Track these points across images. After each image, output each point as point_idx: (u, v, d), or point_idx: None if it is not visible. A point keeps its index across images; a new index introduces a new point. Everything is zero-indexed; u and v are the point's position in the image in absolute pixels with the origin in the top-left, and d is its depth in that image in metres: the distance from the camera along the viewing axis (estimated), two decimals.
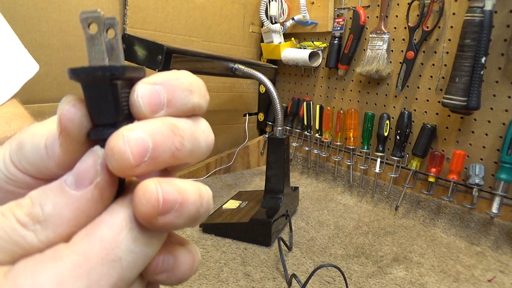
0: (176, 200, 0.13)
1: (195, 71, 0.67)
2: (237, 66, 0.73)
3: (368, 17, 0.98)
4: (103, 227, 0.13)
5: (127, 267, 0.12)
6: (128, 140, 0.13)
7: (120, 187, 0.15)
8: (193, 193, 0.14)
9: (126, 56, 0.67)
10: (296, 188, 0.93)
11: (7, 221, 0.12)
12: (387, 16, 0.94)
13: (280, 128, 0.80)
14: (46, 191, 0.13)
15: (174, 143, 0.14)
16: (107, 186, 0.13)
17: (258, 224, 0.74)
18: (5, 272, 0.12)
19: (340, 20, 1.03)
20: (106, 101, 0.14)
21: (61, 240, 0.13)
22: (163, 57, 0.58)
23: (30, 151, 0.15)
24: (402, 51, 0.92)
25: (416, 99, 0.91)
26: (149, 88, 0.14)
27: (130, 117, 0.14)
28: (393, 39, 0.94)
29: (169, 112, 0.14)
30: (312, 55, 1.10)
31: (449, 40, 0.83)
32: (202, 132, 0.16)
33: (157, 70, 0.60)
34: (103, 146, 0.13)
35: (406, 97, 0.93)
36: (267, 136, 1.22)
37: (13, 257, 0.12)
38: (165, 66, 0.60)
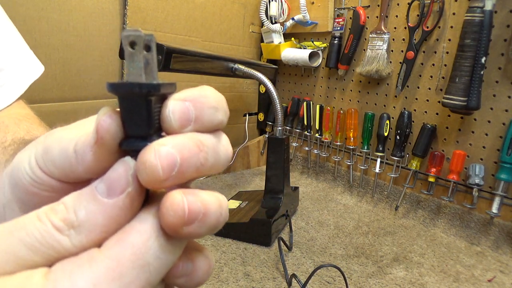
0: (200, 211, 0.14)
1: (195, 71, 0.67)
2: (237, 66, 0.73)
3: (368, 17, 0.98)
4: (134, 234, 0.13)
5: (154, 271, 0.13)
6: (159, 155, 0.13)
7: (146, 195, 0.15)
8: (214, 203, 0.14)
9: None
10: (296, 188, 0.93)
11: (43, 225, 0.13)
12: (387, 16, 0.94)
13: (280, 128, 0.80)
14: (79, 198, 0.14)
15: (199, 159, 0.14)
16: (136, 195, 0.14)
17: (258, 224, 0.74)
18: (45, 273, 0.13)
19: (340, 20, 1.03)
20: (140, 115, 0.15)
21: (93, 245, 0.13)
22: (163, 57, 0.58)
23: (57, 155, 0.16)
24: (402, 51, 0.92)
25: (416, 99, 0.91)
26: (179, 104, 0.15)
27: (159, 130, 0.15)
28: (393, 39, 0.94)
29: (196, 128, 0.15)
30: (312, 55, 1.10)
31: (449, 40, 0.83)
32: (223, 147, 0.16)
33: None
34: (133, 156, 0.14)
35: (406, 97, 0.93)
36: (267, 136, 1.22)
37: (48, 259, 0.13)
38: (165, 66, 0.60)
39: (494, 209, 0.75)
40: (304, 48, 1.11)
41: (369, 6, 0.98)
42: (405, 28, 0.90)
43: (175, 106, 0.15)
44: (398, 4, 0.91)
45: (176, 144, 0.14)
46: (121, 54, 0.68)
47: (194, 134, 0.15)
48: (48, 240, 0.13)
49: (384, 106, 0.98)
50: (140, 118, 0.14)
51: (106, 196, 0.14)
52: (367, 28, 0.99)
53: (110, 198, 0.14)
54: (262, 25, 1.18)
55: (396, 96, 0.95)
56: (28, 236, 0.13)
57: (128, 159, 0.14)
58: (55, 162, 0.16)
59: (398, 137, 0.91)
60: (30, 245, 0.13)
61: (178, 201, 0.13)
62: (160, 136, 0.15)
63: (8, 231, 0.13)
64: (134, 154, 0.14)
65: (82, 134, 0.15)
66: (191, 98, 0.15)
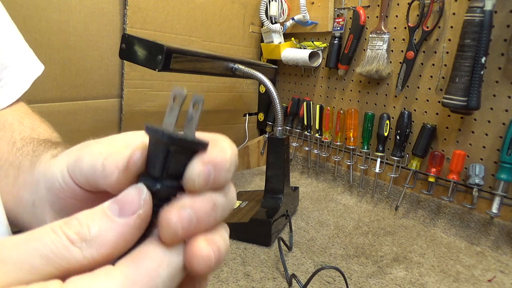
0: (220, 259, 0.16)
1: (195, 71, 0.67)
2: (237, 66, 0.73)
3: (368, 17, 0.98)
4: (148, 260, 0.15)
5: None
6: (181, 217, 0.15)
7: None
8: (226, 248, 0.17)
9: (126, 56, 0.67)
10: (296, 188, 0.93)
11: (57, 237, 0.14)
12: (387, 16, 0.94)
13: (280, 128, 0.80)
14: (92, 214, 0.15)
15: (210, 218, 0.16)
16: (145, 217, 0.15)
17: (258, 224, 0.74)
18: (60, 285, 0.13)
19: (340, 20, 1.03)
20: (159, 160, 0.16)
21: (101, 259, 0.15)
22: (163, 57, 0.58)
23: (86, 165, 0.18)
24: (402, 51, 0.92)
25: (416, 99, 0.91)
26: (203, 170, 0.16)
27: (177, 178, 0.17)
28: (393, 39, 0.94)
29: (212, 187, 0.17)
30: (312, 55, 1.10)
31: (449, 40, 0.83)
32: (230, 201, 0.18)
33: (157, 70, 0.60)
34: (144, 182, 0.16)
35: (406, 97, 0.93)
36: (267, 136, 1.22)
37: (60, 270, 0.14)
38: (165, 66, 0.59)
39: (494, 209, 0.75)
40: (304, 48, 1.11)
41: (369, 6, 0.98)
42: (405, 28, 0.90)
43: (200, 171, 0.16)
44: (398, 4, 0.91)
45: (195, 207, 0.16)
46: (121, 54, 0.68)
47: (210, 195, 0.16)
48: (62, 251, 0.14)
49: (384, 106, 0.98)
50: (158, 162, 0.16)
51: (118, 215, 0.15)
52: (367, 28, 0.99)
53: (121, 218, 0.15)
54: (262, 25, 1.18)
55: (396, 96, 0.95)
56: (43, 247, 0.14)
57: (141, 186, 0.16)
58: (83, 171, 0.18)
59: (398, 137, 0.91)
60: (44, 255, 0.13)
61: (207, 253, 0.16)
62: (175, 180, 0.17)
63: (24, 241, 0.14)
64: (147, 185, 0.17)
65: (112, 151, 0.18)
66: (214, 162, 0.16)
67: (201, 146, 0.17)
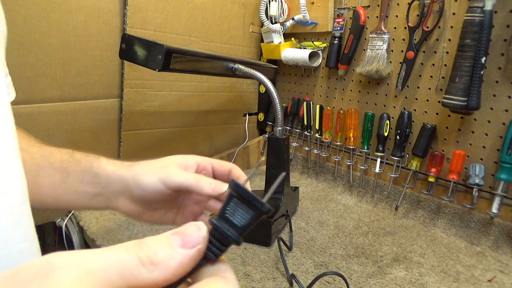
0: None
1: (195, 71, 0.67)
2: (237, 66, 0.73)
3: (368, 17, 0.98)
4: None
5: None
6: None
7: None
8: None
9: (126, 56, 0.67)
10: (296, 188, 0.93)
11: (131, 257, 0.16)
12: (387, 16, 0.94)
13: (280, 128, 0.80)
14: (160, 242, 0.17)
15: None
16: (202, 251, 0.18)
17: (258, 224, 0.74)
18: None
19: (340, 20, 1.03)
20: (224, 204, 0.20)
21: (163, 282, 0.17)
22: (163, 57, 0.58)
23: (179, 181, 0.37)
24: (402, 51, 0.92)
25: (416, 99, 0.91)
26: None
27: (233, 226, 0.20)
28: (393, 39, 0.94)
29: None
30: (312, 55, 1.10)
31: (449, 40, 0.83)
32: None
33: (157, 70, 0.60)
34: (210, 224, 0.19)
35: (406, 97, 0.93)
36: (267, 136, 1.22)
37: (128, 285, 0.16)
38: (165, 66, 0.59)
39: (494, 209, 0.75)
40: (304, 48, 1.11)
41: (369, 6, 0.98)
42: (405, 28, 0.90)
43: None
44: (398, 4, 0.91)
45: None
46: (121, 54, 0.68)
47: None
48: (134, 270, 0.16)
49: (384, 106, 0.98)
50: (224, 206, 0.20)
51: (180, 246, 0.17)
52: (367, 28, 0.99)
53: (183, 249, 0.17)
54: (262, 25, 1.18)
55: (396, 96, 0.95)
56: (120, 265, 0.16)
57: (201, 224, 0.19)
58: (175, 183, 0.36)
59: (398, 137, 0.91)
60: (120, 272, 0.16)
61: None
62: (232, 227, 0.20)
63: (105, 257, 0.16)
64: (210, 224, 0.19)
65: (199, 177, 0.37)
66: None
67: (258, 209, 0.20)
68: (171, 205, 0.42)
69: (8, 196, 0.24)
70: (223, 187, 0.36)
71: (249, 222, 0.20)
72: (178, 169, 0.37)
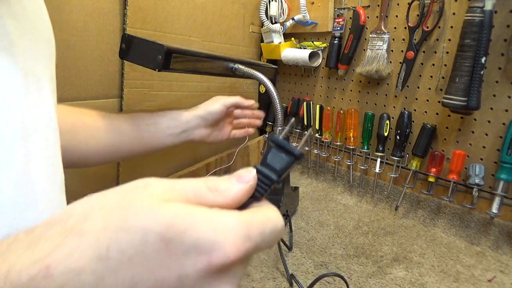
0: None
1: (195, 71, 0.67)
2: (237, 66, 0.73)
3: (368, 17, 0.98)
4: (261, 214, 0.21)
5: (262, 241, 0.20)
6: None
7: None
8: None
9: (126, 56, 0.67)
10: (296, 188, 0.93)
11: (201, 184, 0.21)
12: (387, 16, 0.94)
13: (280, 128, 0.80)
14: (222, 179, 0.22)
15: None
16: (253, 187, 0.23)
17: None
18: (205, 208, 0.20)
19: (340, 20, 1.03)
20: (266, 154, 0.25)
21: (224, 206, 0.21)
22: (163, 57, 0.58)
23: (214, 110, 0.66)
24: (402, 51, 0.92)
25: (416, 99, 0.91)
26: None
27: (273, 170, 0.24)
28: (393, 39, 0.94)
29: None
30: (312, 55, 1.09)
31: (449, 40, 0.83)
32: None
33: (157, 70, 0.60)
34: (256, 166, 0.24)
35: (406, 97, 0.93)
36: (267, 136, 1.22)
37: (198, 203, 0.20)
38: (165, 66, 0.59)
39: (494, 209, 0.75)
40: (304, 48, 1.11)
41: (369, 6, 0.98)
42: (405, 28, 0.90)
43: None
44: (398, 4, 0.91)
45: None
46: (121, 54, 0.68)
47: None
48: (204, 192, 0.21)
49: (384, 106, 0.98)
50: (276, 163, 0.24)
51: (237, 182, 0.22)
52: (367, 28, 0.99)
53: (239, 184, 0.22)
54: (262, 25, 1.18)
55: (396, 96, 0.95)
56: (196, 188, 0.21)
57: (251, 168, 0.23)
58: (229, 103, 0.68)
59: (398, 137, 0.91)
60: (195, 192, 0.21)
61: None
62: (272, 172, 0.25)
63: (188, 182, 0.21)
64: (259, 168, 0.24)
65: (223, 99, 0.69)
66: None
67: (292, 154, 0.24)
68: (227, 121, 0.69)
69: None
70: (253, 101, 0.66)
71: (285, 165, 0.24)
72: (226, 97, 0.62)
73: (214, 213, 0.19)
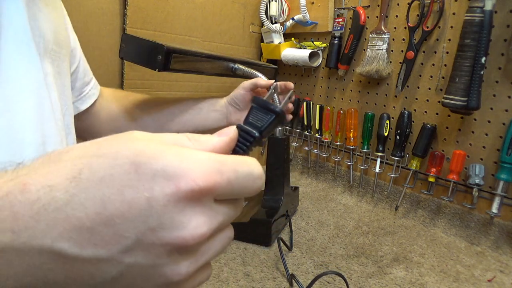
0: None
1: (195, 71, 0.67)
2: (237, 66, 0.73)
3: (368, 17, 0.98)
4: (234, 158, 0.21)
5: (236, 180, 0.20)
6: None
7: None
8: None
9: (126, 56, 0.67)
10: (296, 188, 0.93)
11: (182, 136, 0.22)
12: (387, 16, 0.94)
13: (280, 128, 0.80)
14: (204, 135, 0.23)
15: None
16: (233, 140, 0.23)
17: (258, 224, 0.74)
18: (180, 146, 0.21)
19: (340, 20, 1.03)
20: (248, 114, 0.26)
21: (204, 149, 0.22)
22: (163, 57, 0.58)
23: (239, 94, 0.68)
24: (402, 51, 0.92)
25: (416, 99, 0.91)
26: None
27: (254, 127, 0.25)
28: (393, 39, 0.94)
29: None
30: (312, 55, 1.09)
31: (449, 40, 0.83)
32: None
33: (157, 70, 0.60)
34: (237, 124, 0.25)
35: (406, 97, 0.93)
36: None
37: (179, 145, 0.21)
38: (165, 66, 0.59)
39: (494, 209, 0.75)
40: (304, 48, 1.11)
41: (369, 6, 0.98)
42: (405, 28, 0.90)
43: None
44: (398, 4, 0.91)
45: None
46: (121, 54, 0.68)
47: None
48: (182, 141, 0.21)
49: (384, 106, 0.98)
50: (258, 121, 0.25)
51: (217, 135, 0.23)
52: (367, 28, 0.99)
53: (219, 136, 0.23)
54: (262, 25, 1.18)
55: (396, 96, 0.95)
56: (174, 137, 0.21)
57: (232, 126, 0.24)
58: (249, 86, 0.67)
59: (398, 137, 0.91)
60: (172, 140, 0.21)
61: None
62: (254, 129, 0.25)
63: (173, 135, 0.22)
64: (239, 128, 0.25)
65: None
66: None
67: (273, 111, 0.25)
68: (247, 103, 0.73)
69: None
70: (272, 80, 0.66)
71: (266, 122, 0.25)
72: (249, 80, 0.67)
73: (186, 149, 0.20)
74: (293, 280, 0.62)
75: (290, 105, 0.74)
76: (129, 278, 0.19)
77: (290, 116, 0.77)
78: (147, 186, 0.17)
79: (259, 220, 0.74)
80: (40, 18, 0.38)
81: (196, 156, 0.19)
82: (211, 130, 0.68)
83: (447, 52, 0.83)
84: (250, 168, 0.21)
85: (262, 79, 0.69)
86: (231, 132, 0.23)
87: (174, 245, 0.18)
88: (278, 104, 0.28)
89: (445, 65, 0.84)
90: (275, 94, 0.26)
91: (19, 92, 0.35)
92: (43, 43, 0.39)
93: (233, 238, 0.23)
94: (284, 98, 0.25)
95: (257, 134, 0.25)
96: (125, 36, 0.66)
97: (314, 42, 1.09)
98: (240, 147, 0.24)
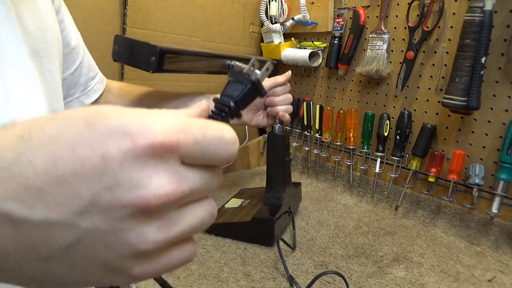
0: None
1: (191, 71, 0.67)
2: (234, 63, 0.72)
3: (368, 17, 0.98)
4: (202, 121, 0.20)
5: (204, 141, 0.19)
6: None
7: None
8: None
9: (119, 57, 0.65)
10: (298, 184, 0.93)
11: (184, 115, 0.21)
12: (387, 16, 0.94)
13: (279, 125, 0.80)
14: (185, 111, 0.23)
15: None
16: (205, 110, 0.23)
17: (261, 222, 0.73)
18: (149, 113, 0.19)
19: (340, 20, 1.03)
20: (234, 91, 0.26)
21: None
22: (157, 58, 0.57)
23: None
24: (402, 51, 0.92)
25: (416, 99, 0.91)
26: None
27: (230, 98, 0.25)
28: (393, 39, 0.94)
29: None
30: (312, 55, 1.10)
31: (449, 40, 0.83)
32: None
33: (150, 71, 0.59)
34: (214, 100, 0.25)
35: (406, 97, 0.93)
36: (266, 135, 1.22)
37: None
38: (159, 67, 0.58)
39: (494, 209, 0.75)
40: (304, 48, 1.11)
41: (369, 6, 0.98)
42: (405, 28, 0.90)
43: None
44: (398, 4, 0.91)
45: None
46: (114, 56, 0.67)
47: None
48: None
49: (384, 106, 0.98)
50: (233, 92, 0.25)
51: (193, 107, 0.23)
52: (367, 28, 0.99)
53: (194, 108, 0.23)
54: (262, 25, 1.18)
55: (396, 96, 0.95)
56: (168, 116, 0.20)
57: (205, 101, 0.24)
58: (267, 86, 0.71)
59: (398, 137, 0.91)
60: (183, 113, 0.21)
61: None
62: (230, 99, 0.25)
63: (155, 110, 0.20)
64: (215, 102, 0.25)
65: None
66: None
67: (248, 80, 0.25)
68: (261, 107, 0.74)
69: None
70: (289, 71, 0.70)
71: (241, 91, 0.25)
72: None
73: (150, 110, 0.19)
74: (292, 282, 0.62)
75: (272, 80, 0.72)
76: (88, 246, 0.17)
77: (288, 117, 0.76)
78: (102, 142, 0.16)
79: (261, 218, 0.74)
80: (26, 16, 0.38)
81: (159, 115, 0.18)
82: None
83: (447, 52, 0.83)
84: (221, 131, 0.20)
85: (280, 76, 0.68)
86: (202, 104, 0.23)
87: (135, 206, 0.17)
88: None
89: (445, 65, 0.84)
90: (256, 70, 0.26)
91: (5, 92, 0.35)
92: (30, 41, 0.39)
93: (215, 214, 0.21)
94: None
95: (232, 103, 0.24)
96: (118, 38, 0.65)
97: (314, 42, 1.09)
98: (215, 118, 0.24)
